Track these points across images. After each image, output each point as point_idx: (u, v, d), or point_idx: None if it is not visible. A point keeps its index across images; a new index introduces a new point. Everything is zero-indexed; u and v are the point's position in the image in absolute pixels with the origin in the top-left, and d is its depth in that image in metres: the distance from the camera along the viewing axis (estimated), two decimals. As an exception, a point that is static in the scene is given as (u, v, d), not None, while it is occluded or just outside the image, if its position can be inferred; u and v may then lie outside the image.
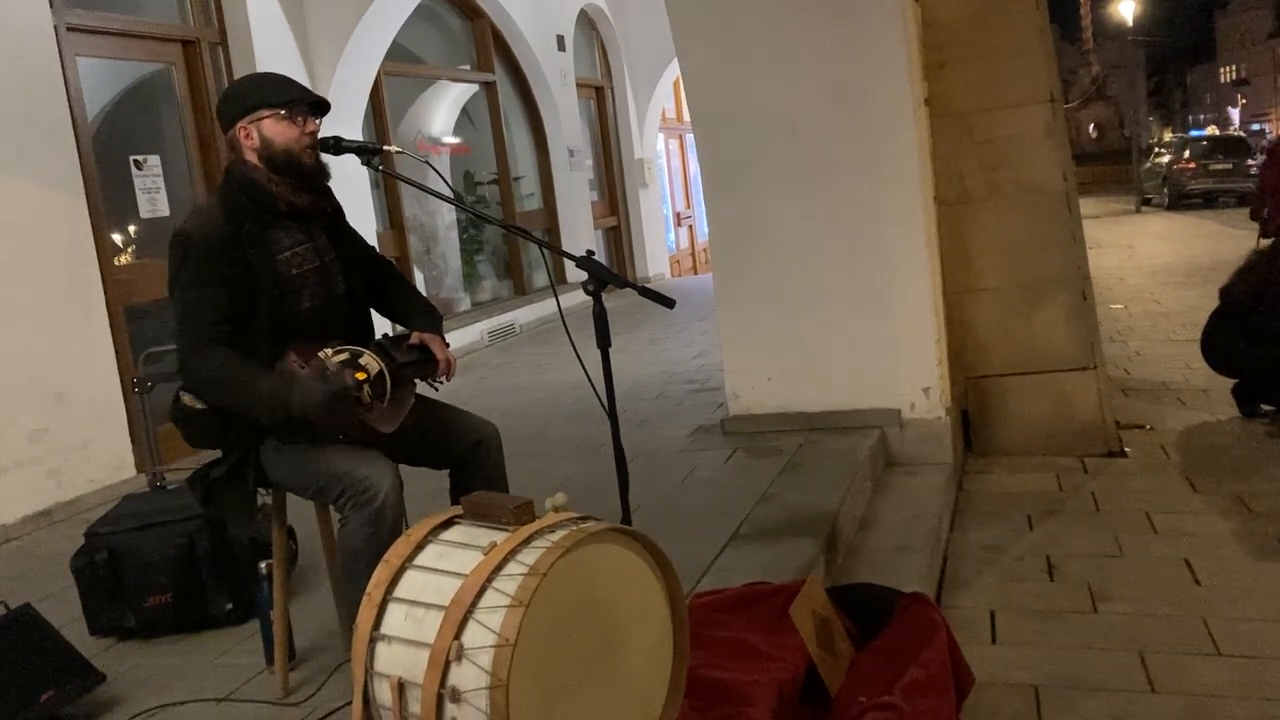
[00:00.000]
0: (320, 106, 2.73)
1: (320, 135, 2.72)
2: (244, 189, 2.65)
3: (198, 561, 3.32)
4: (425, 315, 2.94)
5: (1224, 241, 12.08)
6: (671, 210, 14.96)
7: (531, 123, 10.98)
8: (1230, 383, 5.99)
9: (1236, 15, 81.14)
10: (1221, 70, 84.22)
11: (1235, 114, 71.83)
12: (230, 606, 3.35)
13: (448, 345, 2.89)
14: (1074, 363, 5.44)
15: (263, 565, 2.97)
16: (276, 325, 2.63)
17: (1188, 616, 3.47)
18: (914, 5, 5.19)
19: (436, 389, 2.91)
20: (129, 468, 5.40)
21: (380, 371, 2.63)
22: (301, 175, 2.68)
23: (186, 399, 2.67)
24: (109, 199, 5.71)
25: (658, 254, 13.33)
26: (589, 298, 2.57)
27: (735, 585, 3.04)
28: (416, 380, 2.84)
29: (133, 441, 5.45)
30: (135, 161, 5.92)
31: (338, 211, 2.86)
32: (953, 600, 3.80)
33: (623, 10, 12.63)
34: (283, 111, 2.65)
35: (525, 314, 9.92)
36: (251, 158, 2.66)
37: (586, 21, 12.11)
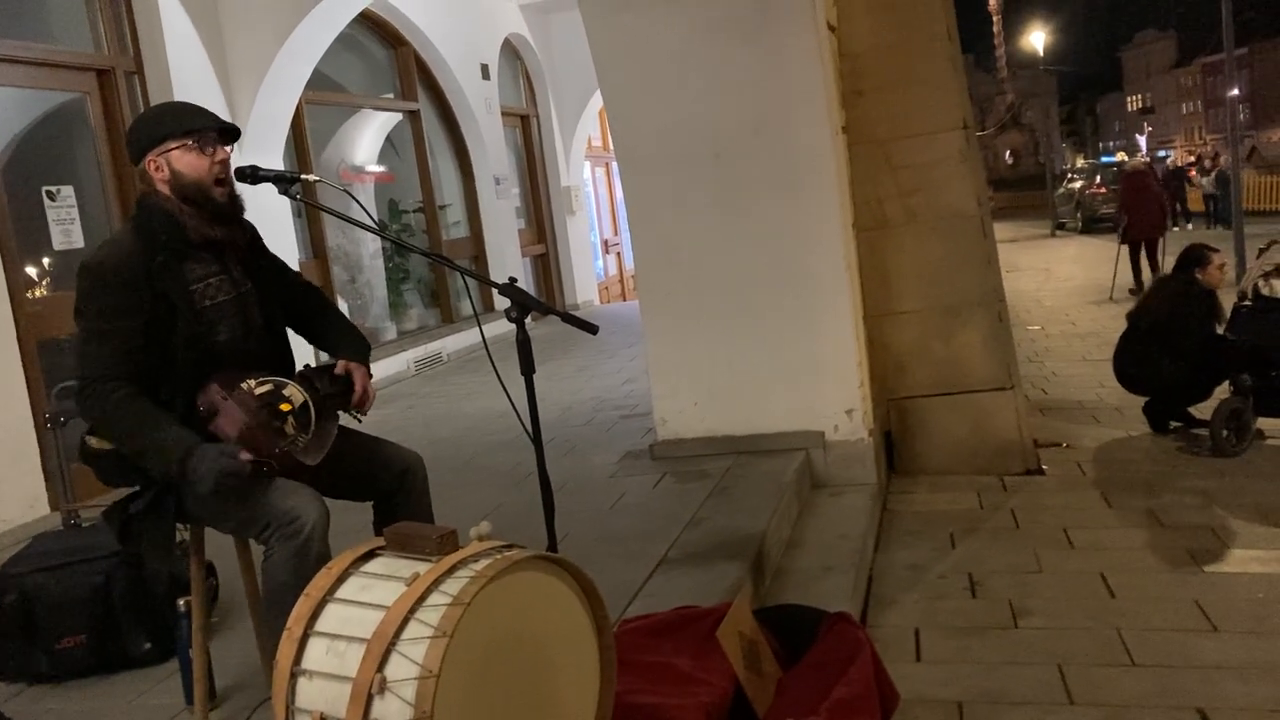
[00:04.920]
0: (229, 133, 2.70)
1: (238, 164, 2.69)
2: (156, 220, 2.60)
3: (114, 600, 3.24)
4: (352, 344, 2.91)
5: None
6: (599, 238, 15.01)
7: (457, 151, 10.95)
8: (1141, 401, 6.19)
9: (1140, 47, 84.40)
10: (1128, 99, 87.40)
11: (1143, 141, 74.46)
12: (148, 646, 3.27)
13: (371, 376, 2.87)
14: (992, 383, 5.57)
15: (181, 602, 2.91)
16: (194, 358, 2.58)
17: (1104, 629, 3.57)
18: (830, 36, 5.31)
19: (360, 420, 2.89)
20: (43, 506, 5.23)
21: (305, 403, 2.60)
22: (213, 209, 2.64)
23: (93, 441, 2.61)
24: (20, 231, 5.55)
25: (586, 281, 13.35)
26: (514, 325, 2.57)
27: (664, 609, 3.04)
28: (340, 411, 2.81)
29: (46, 479, 5.28)
30: (48, 192, 5.77)
31: (255, 240, 2.83)
32: (878, 619, 3.85)
33: (547, 39, 12.69)
34: (190, 141, 2.60)
35: (453, 342, 9.85)
36: (163, 189, 2.62)
37: (511, 50, 12.14)
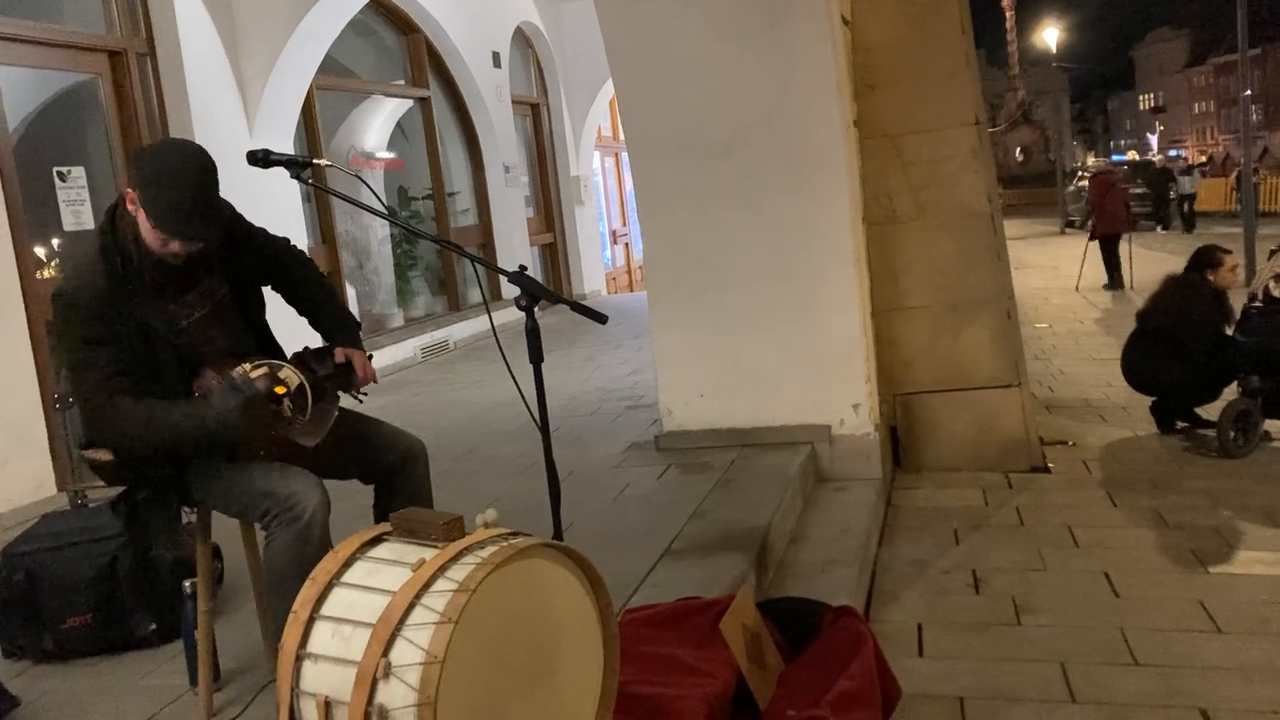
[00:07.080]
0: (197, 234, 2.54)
1: (250, 148, 2.69)
2: (125, 242, 2.54)
3: (119, 581, 3.24)
4: (343, 328, 2.90)
5: (1144, 263, 12.51)
6: (607, 228, 15.00)
7: (467, 139, 10.95)
8: (1148, 400, 6.18)
9: (1153, 46, 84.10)
10: (1140, 98, 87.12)
11: (1154, 140, 74.24)
12: (153, 627, 3.28)
13: (370, 356, 2.87)
14: (999, 380, 5.56)
15: (187, 584, 2.91)
16: (181, 372, 2.59)
17: (1107, 627, 3.57)
18: (844, 29, 5.30)
19: (360, 400, 2.89)
20: (49, 486, 5.25)
21: (301, 384, 2.61)
22: (158, 264, 2.57)
23: (90, 454, 2.61)
24: (30, 211, 5.56)
25: (594, 271, 13.35)
26: (523, 314, 2.57)
27: (667, 600, 3.05)
28: (340, 393, 2.82)
29: (53, 459, 5.30)
30: (59, 173, 5.78)
31: (233, 237, 2.75)
32: (881, 614, 3.85)
33: (558, 29, 12.67)
34: (157, 231, 2.49)
35: (460, 330, 9.86)
36: (134, 212, 2.52)
37: (522, 39, 12.13)
